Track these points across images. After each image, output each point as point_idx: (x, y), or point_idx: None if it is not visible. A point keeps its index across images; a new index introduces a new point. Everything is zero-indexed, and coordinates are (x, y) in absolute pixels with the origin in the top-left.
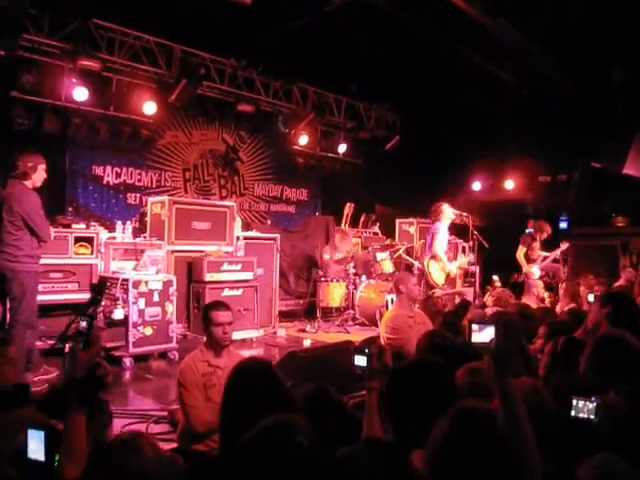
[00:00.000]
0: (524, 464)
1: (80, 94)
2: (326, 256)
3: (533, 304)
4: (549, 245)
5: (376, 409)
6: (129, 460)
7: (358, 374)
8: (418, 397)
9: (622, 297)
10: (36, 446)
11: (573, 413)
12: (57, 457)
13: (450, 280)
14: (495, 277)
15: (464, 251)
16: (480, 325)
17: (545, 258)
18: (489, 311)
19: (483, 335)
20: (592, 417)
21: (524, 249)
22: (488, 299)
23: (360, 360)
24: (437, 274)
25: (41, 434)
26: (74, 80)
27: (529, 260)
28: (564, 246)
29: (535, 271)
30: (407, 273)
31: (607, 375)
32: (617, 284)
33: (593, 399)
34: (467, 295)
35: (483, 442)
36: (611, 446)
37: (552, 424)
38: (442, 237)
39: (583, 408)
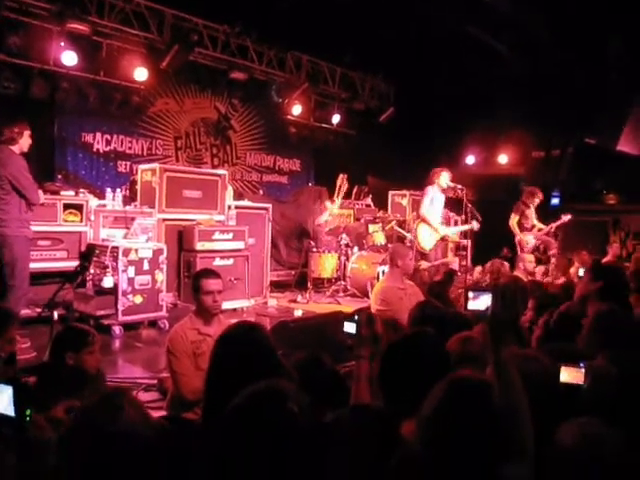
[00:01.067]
0: (517, 434)
1: (69, 58)
2: (319, 220)
3: (523, 278)
4: (544, 219)
5: (364, 377)
6: (112, 419)
7: (348, 344)
8: (414, 369)
9: (614, 272)
10: (5, 402)
11: (562, 379)
12: (28, 412)
13: (442, 251)
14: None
15: (456, 224)
16: (476, 292)
17: (541, 230)
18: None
19: (479, 303)
20: (581, 383)
21: (517, 217)
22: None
23: (349, 327)
24: (426, 239)
25: (9, 389)
26: (62, 44)
27: (522, 229)
28: (565, 218)
29: (530, 240)
30: (404, 246)
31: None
32: (605, 259)
33: (581, 365)
34: (452, 264)
35: (477, 412)
36: (600, 412)
37: (543, 393)
38: (432, 201)
39: (572, 374)
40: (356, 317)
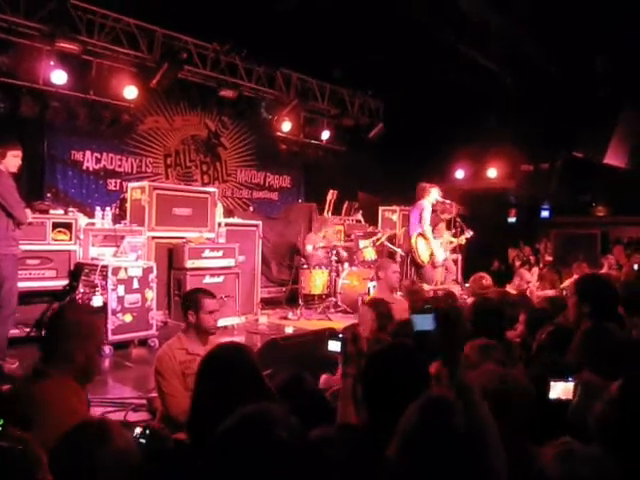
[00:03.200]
0: (488, 456)
1: (59, 77)
2: (309, 247)
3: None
4: (534, 231)
5: (351, 395)
6: (95, 449)
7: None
8: (393, 381)
9: (601, 289)
10: None
11: (551, 395)
12: (1, 422)
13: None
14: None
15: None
16: (420, 315)
17: (451, 243)
18: (469, 301)
19: (424, 323)
20: (570, 398)
21: (431, 228)
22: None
23: (334, 345)
24: (423, 251)
25: None
26: (52, 63)
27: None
28: (468, 234)
29: (440, 255)
30: (388, 260)
31: (597, 367)
32: (602, 271)
33: (570, 379)
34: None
35: (449, 432)
36: (588, 427)
37: (525, 412)
38: (429, 215)
39: (561, 389)
40: (340, 335)
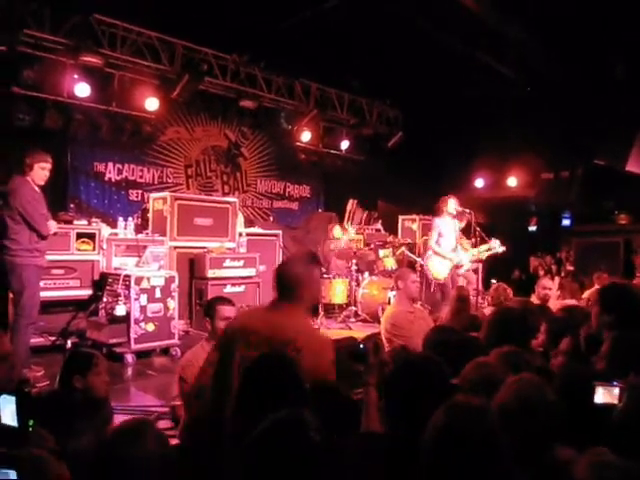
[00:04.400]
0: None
1: (82, 90)
2: (331, 245)
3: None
4: (556, 239)
5: (374, 404)
6: (130, 450)
7: (359, 371)
8: (416, 394)
9: (623, 297)
10: (9, 411)
11: (596, 400)
12: (31, 422)
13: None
14: (493, 281)
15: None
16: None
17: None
18: (487, 311)
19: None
20: (616, 402)
21: (435, 240)
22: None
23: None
24: (437, 268)
25: (12, 399)
26: (76, 76)
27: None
28: (496, 246)
29: (466, 263)
30: (407, 270)
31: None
32: (635, 282)
33: (615, 384)
34: None
35: (474, 435)
36: (635, 431)
37: (561, 417)
38: (440, 233)
39: (606, 394)
40: (362, 346)
